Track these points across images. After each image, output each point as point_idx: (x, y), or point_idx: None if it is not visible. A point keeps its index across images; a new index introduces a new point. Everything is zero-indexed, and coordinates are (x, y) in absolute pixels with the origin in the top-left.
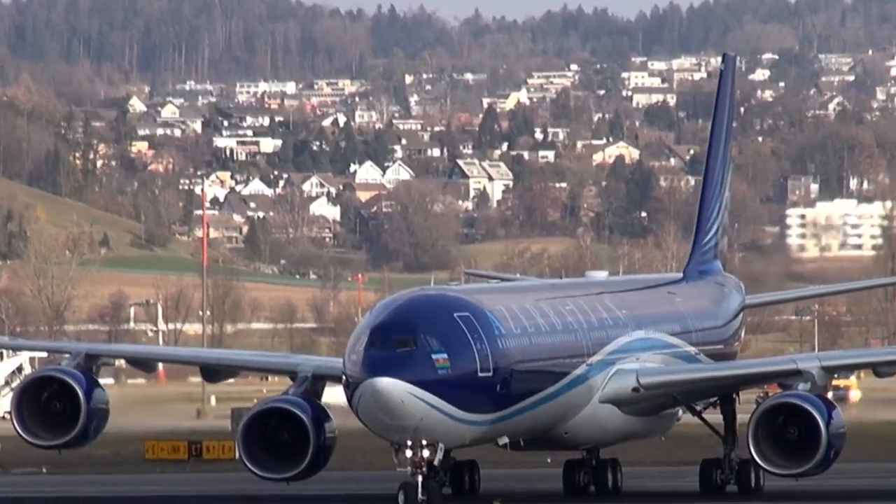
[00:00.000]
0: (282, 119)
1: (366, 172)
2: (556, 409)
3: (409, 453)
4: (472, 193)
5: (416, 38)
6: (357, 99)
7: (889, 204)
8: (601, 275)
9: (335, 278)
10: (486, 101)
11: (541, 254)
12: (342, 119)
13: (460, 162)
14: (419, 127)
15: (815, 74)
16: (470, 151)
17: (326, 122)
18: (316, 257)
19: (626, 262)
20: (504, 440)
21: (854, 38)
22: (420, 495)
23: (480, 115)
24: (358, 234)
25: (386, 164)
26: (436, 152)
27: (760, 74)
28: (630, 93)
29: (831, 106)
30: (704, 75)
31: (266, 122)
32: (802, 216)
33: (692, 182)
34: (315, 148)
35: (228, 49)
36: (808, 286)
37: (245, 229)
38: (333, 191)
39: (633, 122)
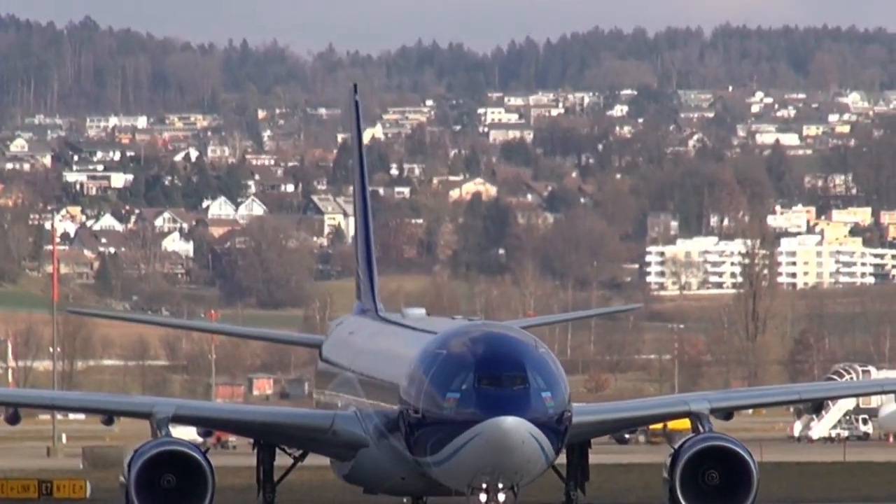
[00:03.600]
0: (133, 154)
1: (219, 208)
2: None
3: (482, 497)
4: (326, 229)
5: (268, 73)
6: (209, 134)
7: (749, 242)
8: (419, 312)
9: (188, 315)
10: (340, 136)
11: (397, 291)
12: (194, 154)
13: (315, 197)
14: (273, 162)
15: (674, 111)
16: (324, 187)
17: (178, 157)
18: (168, 293)
19: (483, 300)
20: None
21: (713, 75)
22: None
23: (335, 151)
24: (211, 270)
25: (239, 200)
26: (290, 188)
27: (619, 111)
28: (486, 129)
29: (691, 142)
30: (562, 111)
31: (117, 156)
32: (662, 254)
33: (550, 219)
34: (167, 183)
35: (78, 83)
36: (666, 325)
37: (96, 265)
38: (186, 226)
39: (490, 158)
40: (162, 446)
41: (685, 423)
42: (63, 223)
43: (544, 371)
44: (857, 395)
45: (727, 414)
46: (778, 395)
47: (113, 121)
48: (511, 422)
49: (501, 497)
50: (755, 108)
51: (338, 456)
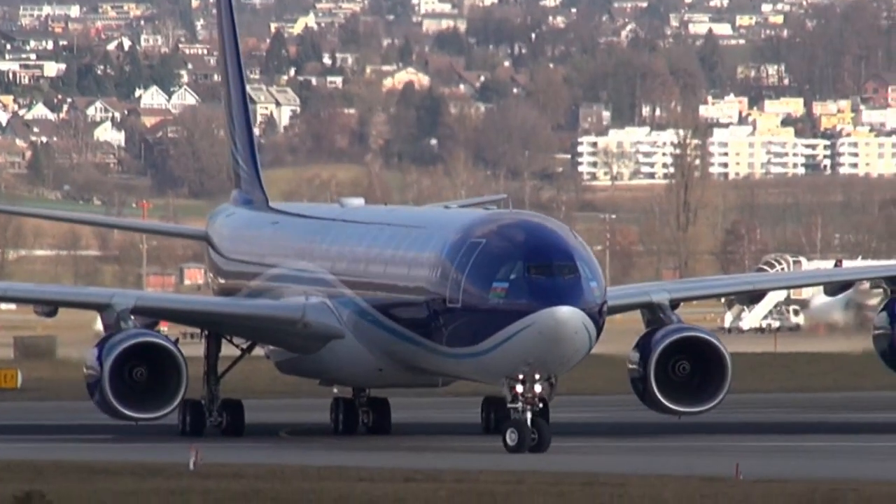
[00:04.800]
0: (66, 43)
1: (151, 97)
2: None
3: (519, 388)
4: (259, 119)
5: None
6: (143, 23)
7: (681, 132)
8: (359, 202)
9: (119, 205)
10: (273, 26)
11: (329, 181)
12: (127, 43)
13: (247, 87)
14: (205, 52)
15: (608, 0)
16: (257, 76)
17: (111, 46)
18: (100, 183)
19: (415, 190)
20: None
21: None
22: (532, 433)
23: (268, 40)
24: (143, 160)
25: (172, 89)
26: None
27: (552, 0)
28: (420, 18)
29: (624, 33)
30: (496, 1)
31: (50, 45)
32: (594, 144)
33: (482, 109)
34: (100, 72)
35: None
36: (598, 216)
37: (28, 154)
38: (118, 116)
39: (423, 48)
40: (136, 338)
41: None
42: None
43: (588, 260)
44: (806, 286)
45: (673, 305)
46: (734, 285)
47: (46, 9)
48: (566, 312)
49: (538, 388)
50: None
51: (302, 348)
